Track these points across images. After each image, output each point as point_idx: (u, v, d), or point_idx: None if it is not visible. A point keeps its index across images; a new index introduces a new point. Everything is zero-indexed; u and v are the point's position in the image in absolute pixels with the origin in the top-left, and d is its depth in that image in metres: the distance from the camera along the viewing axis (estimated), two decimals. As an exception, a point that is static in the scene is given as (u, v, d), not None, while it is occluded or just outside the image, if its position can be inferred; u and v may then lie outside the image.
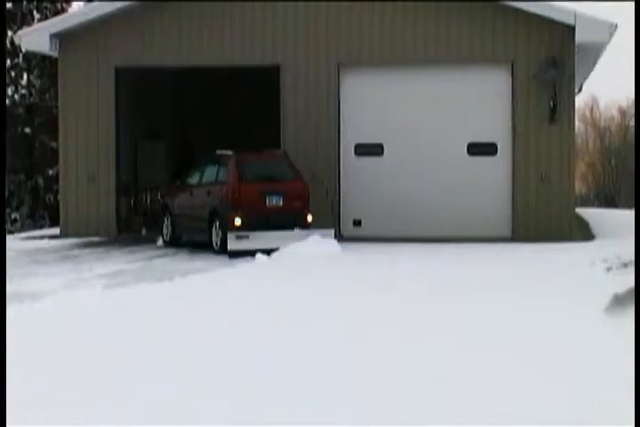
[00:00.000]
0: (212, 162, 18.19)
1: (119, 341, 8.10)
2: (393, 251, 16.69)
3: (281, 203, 17.05)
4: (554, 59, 19.28)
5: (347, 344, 7.72)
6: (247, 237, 16.04)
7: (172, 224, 18.88)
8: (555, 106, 19.37)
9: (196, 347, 7.72)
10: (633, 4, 18.49)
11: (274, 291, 11.24)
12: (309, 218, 17.18)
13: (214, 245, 16.92)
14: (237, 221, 16.45)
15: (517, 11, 19.31)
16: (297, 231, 16.46)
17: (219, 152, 17.99)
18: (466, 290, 11.04)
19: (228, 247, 15.95)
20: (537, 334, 8.15)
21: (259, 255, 15.23)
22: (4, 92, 29.78)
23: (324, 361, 7.07)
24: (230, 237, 16.03)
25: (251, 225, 16.40)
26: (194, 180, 18.67)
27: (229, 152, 17.63)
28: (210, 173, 18.09)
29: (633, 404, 5.61)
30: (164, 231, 19.20)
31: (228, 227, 16.41)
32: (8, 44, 31.83)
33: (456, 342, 7.73)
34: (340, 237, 18.99)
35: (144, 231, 21.48)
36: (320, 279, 12.31)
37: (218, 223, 16.88)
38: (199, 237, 17.87)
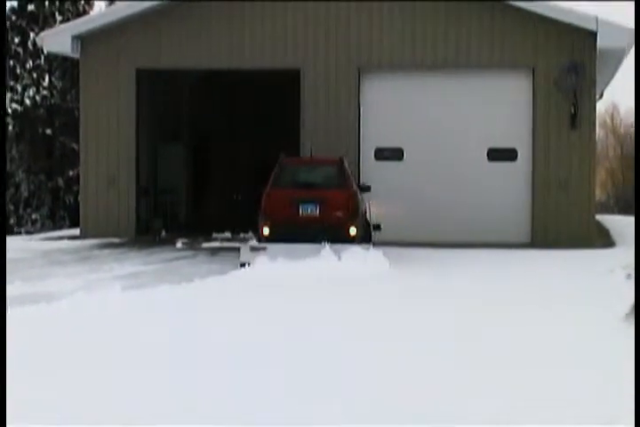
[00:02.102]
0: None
1: (136, 342, 8.08)
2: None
3: (317, 212, 15.18)
4: (575, 65, 19.19)
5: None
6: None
7: None
8: (575, 112, 19.29)
9: (222, 347, 7.70)
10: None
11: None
12: (352, 231, 15.11)
13: None
14: (265, 231, 15.07)
15: (538, 16, 19.23)
16: (325, 245, 14.20)
17: (281, 156, 16.52)
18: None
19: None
20: (554, 340, 8.09)
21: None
22: (4, 92, 29.79)
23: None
24: (243, 248, 14.47)
25: (282, 236, 14.81)
26: None
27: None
28: None
29: (633, 404, 5.59)
30: None
31: (258, 237, 15.30)
32: (30, 46, 31.98)
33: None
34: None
35: (163, 233, 21.50)
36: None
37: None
38: None
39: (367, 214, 17.48)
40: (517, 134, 19.88)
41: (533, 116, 19.65)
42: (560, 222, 19.46)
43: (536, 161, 19.67)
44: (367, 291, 11.69)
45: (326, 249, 14.02)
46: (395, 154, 20.32)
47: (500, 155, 19.98)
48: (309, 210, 15.17)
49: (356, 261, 13.79)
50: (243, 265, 14.07)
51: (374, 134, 20.29)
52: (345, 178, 15.87)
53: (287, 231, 14.89)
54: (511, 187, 19.90)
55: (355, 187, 16.00)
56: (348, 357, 7.38)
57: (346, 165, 16.19)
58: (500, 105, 19.98)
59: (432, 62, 19.99)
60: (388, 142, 20.35)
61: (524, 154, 19.85)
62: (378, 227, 20.00)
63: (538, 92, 19.59)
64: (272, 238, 14.84)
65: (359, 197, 15.89)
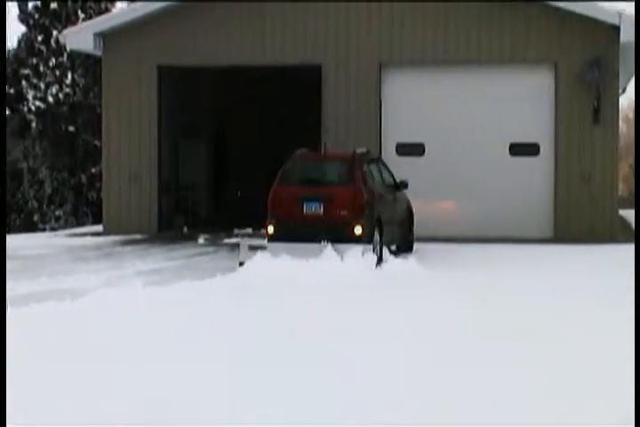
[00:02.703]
0: None
1: (156, 338, 8.10)
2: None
3: (321, 211, 14.24)
4: (597, 59, 19.06)
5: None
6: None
7: None
8: (598, 106, 19.16)
9: (248, 341, 7.72)
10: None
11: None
12: (358, 230, 14.01)
13: None
14: (270, 230, 14.35)
15: (561, 11, 19.11)
16: (325, 245, 13.57)
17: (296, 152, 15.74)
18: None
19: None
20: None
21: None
22: (4, 92, 29.87)
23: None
24: (242, 246, 14.02)
25: (286, 235, 14.09)
26: None
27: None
28: None
29: (633, 404, 5.51)
30: None
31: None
32: (53, 44, 32.12)
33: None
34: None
35: (185, 229, 21.54)
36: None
37: None
38: None
39: (408, 214, 16.96)
40: (539, 129, 19.77)
41: (556, 111, 19.53)
42: (583, 217, 19.34)
43: (558, 156, 19.55)
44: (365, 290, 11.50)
45: (328, 249, 13.47)
46: (416, 149, 20.26)
47: (522, 150, 19.88)
48: (313, 208, 14.30)
49: (358, 260, 13.28)
50: (241, 264, 13.61)
51: (396, 130, 20.23)
52: (354, 174, 14.60)
53: (291, 230, 14.17)
54: (533, 182, 19.79)
55: (366, 184, 14.70)
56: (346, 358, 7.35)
57: (361, 160, 15.09)
58: (522, 100, 19.86)
59: (453, 58, 19.91)
60: (410, 138, 20.29)
61: (547, 149, 19.74)
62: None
63: (560, 86, 19.47)
64: (277, 237, 14.18)
65: (371, 194, 14.67)
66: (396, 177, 16.76)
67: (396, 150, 20.30)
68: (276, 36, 20.35)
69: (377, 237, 14.44)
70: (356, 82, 20.17)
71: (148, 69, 20.88)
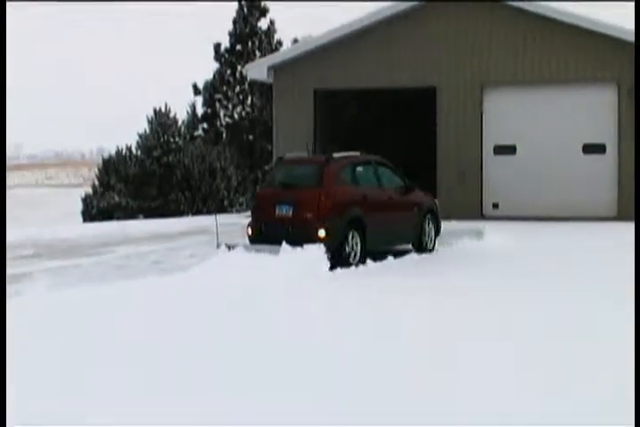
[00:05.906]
0: None
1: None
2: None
3: (290, 213, 11.68)
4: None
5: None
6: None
7: None
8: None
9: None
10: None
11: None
12: (321, 233, 11.26)
13: None
14: (249, 231, 12.13)
15: (623, 41, 18.75)
16: (285, 247, 10.98)
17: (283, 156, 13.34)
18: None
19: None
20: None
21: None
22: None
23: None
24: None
25: (262, 236, 11.87)
26: None
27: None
28: None
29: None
30: None
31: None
32: (238, 75, 33.09)
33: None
34: (481, 216, 19.19)
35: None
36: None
37: None
38: None
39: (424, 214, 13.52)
40: (606, 132, 19.43)
41: (619, 118, 19.16)
42: (640, 201, 18.95)
43: (621, 153, 19.20)
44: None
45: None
46: (509, 149, 20.23)
47: (593, 149, 19.59)
48: (284, 211, 11.75)
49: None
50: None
51: (493, 135, 20.26)
52: (322, 177, 11.80)
53: (266, 232, 11.87)
54: (602, 173, 19.50)
55: (338, 186, 11.93)
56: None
57: (338, 163, 12.19)
58: (593, 110, 19.56)
59: (539, 78, 19.78)
60: (504, 140, 20.27)
61: (612, 148, 19.40)
62: (496, 205, 20.12)
63: (622, 99, 19.10)
64: (254, 238, 11.98)
65: (344, 196, 11.93)
66: (405, 178, 13.52)
67: (494, 151, 20.32)
68: (402, 64, 20.61)
69: (353, 239, 11.74)
70: (464, 99, 20.27)
71: (306, 93, 21.49)
